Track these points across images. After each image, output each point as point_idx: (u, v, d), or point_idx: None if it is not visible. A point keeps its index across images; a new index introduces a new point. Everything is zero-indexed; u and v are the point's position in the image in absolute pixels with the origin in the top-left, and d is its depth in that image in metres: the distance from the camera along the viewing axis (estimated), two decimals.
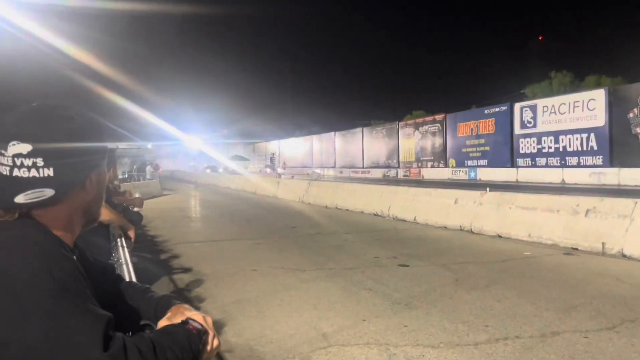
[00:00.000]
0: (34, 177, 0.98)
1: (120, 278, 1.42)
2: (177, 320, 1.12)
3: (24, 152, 0.97)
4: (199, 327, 1.11)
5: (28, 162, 0.97)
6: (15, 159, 0.97)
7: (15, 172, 0.97)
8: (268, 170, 53.15)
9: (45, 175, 0.98)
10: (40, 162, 0.98)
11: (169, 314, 1.17)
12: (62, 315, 0.88)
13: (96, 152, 1.10)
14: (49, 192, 0.99)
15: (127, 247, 2.93)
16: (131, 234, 3.69)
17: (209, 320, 1.15)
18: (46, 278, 0.90)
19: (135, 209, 5.53)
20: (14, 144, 0.97)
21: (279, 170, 52.19)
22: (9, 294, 0.88)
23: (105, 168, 1.16)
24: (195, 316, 1.13)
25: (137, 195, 5.87)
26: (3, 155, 0.98)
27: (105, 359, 0.88)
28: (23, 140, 0.97)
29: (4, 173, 0.98)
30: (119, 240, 2.94)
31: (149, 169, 31.32)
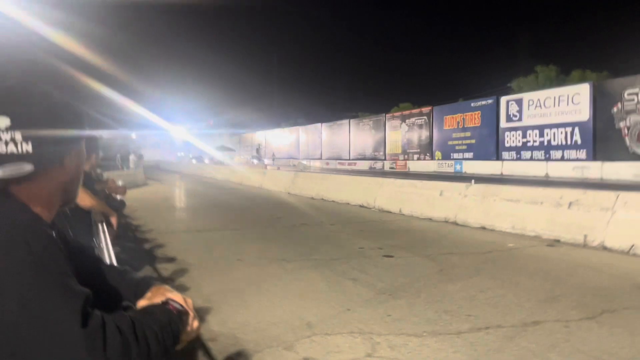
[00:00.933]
0: (12, 152, 0.96)
1: (100, 260, 1.40)
2: (157, 300, 1.11)
3: (2, 127, 0.96)
4: (179, 307, 1.10)
5: (6, 136, 0.96)
6: None
7: None
8: (255, 161, 52.92)
9: (24, 150, 0.97)
10: (18, 136, 0.96)
11: (149, 295, 1.16)
12: (39, 290, 0.87)
13: (75, 131, 1.08)
14: (27, 167, 0.98)
15: (110, 234, 2.89)
16: (113, 220, 3.64)
17: (190, 301, 1.14)
18: (24, 253, 0.89)
19: (118, 197, 5.48)
20: None
21: (266, 161, 52.03)
22: None
23: (84, 149, 1.15)
24: (176, 297, 1.12)
25: (119, 183, 5.79)
26: None
27: (82, 334, 0.87)
28: (1, 114, 0.96)
29: None
30: (100, 225, 2.90)
31: (132, 158, 31.02)
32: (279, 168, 38.80)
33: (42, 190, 1.05)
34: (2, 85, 1.02)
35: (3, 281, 0.86)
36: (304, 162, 53.19)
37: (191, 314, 1.12)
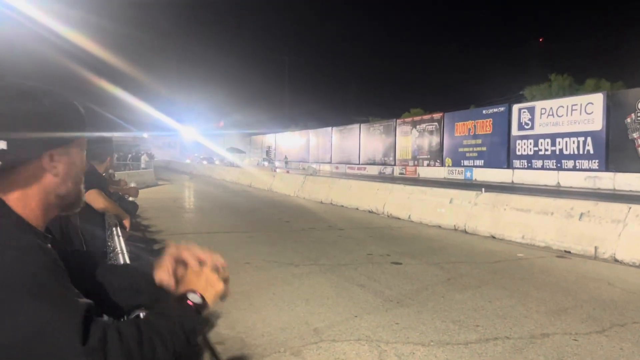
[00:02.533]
0: None
1: (101, 263, 1.38)
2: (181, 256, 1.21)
3: None
4: (199, 302, 1.08)
5: None
6: None
7: None
8: (265, 163, 52.98)
9: None
10: None
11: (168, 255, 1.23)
12: (37, 311, 0.85)
13: (59, 132, 1.06)
14: None
15: (122, 237, 2.92)
16: (126, 223, 3.69)
17: (220, 261, 1.27)
18: (19, 272, 0.88)
19: (130, 199, 5.53)
20: None
21: (277, 164, 52.05)
22: None
23: (77, 152, 1.12)
24: (195, 281, 1.15)
25: (132, 185, 5.85)
26: None
27: (83, 352, 0.85)
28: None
29: None
30: (114, 229, 2.93)
31: (144, 158, 31.23)
32: (288, 171, 38.85)
33: (28, 198, 1.04)
34: None
35: None
36: (314, 165, 53.24)
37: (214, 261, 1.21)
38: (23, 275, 0.87)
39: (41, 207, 1.06)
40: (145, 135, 47.42)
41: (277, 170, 39.04)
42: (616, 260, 7.33)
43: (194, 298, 1.07)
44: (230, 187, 25.03)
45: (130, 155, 29.55)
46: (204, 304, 1.10)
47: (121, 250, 2.13)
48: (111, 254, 2.45)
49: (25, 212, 1.02)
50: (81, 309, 0.90)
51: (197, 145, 66.86)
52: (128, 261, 1.87)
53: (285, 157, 59.12)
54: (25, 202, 1.03)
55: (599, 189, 24.99)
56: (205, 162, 55.10)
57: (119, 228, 2.93)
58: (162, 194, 19.98)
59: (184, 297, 1.08)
